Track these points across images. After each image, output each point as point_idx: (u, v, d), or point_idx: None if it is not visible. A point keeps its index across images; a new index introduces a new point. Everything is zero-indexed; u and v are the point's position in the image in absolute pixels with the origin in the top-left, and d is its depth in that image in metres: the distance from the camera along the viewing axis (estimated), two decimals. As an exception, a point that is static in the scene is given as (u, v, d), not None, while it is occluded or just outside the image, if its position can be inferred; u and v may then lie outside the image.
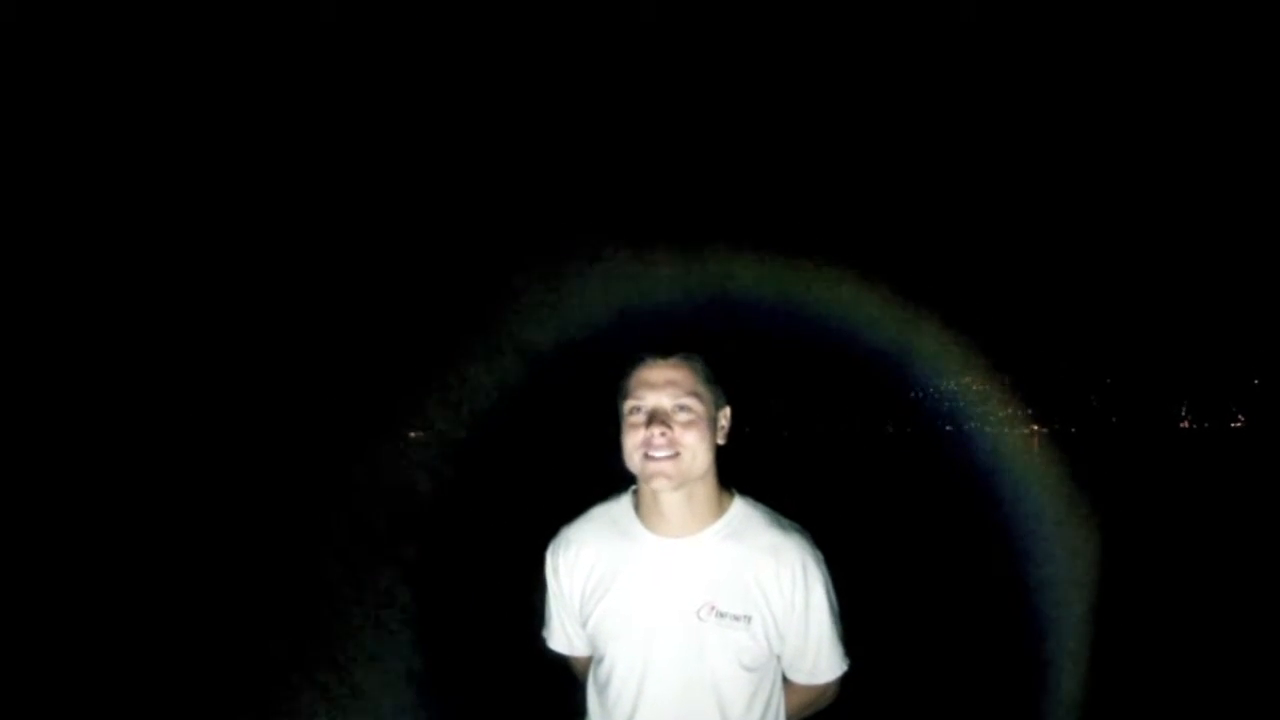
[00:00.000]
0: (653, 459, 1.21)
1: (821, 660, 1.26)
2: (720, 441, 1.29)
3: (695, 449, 1.22)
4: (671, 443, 1.20)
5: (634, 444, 1.22)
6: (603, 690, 1.31)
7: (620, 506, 1.34)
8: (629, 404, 1.24)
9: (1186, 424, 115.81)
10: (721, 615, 1.22)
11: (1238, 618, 5.63)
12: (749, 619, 1.21)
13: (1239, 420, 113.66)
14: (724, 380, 1.31)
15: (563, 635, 1.39)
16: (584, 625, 1.32)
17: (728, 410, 1.31)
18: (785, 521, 1.30)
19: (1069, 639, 4.75)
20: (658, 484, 1.21)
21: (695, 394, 1.23)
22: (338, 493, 11.55)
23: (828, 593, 1.24)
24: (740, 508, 1.30)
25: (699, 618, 1.22)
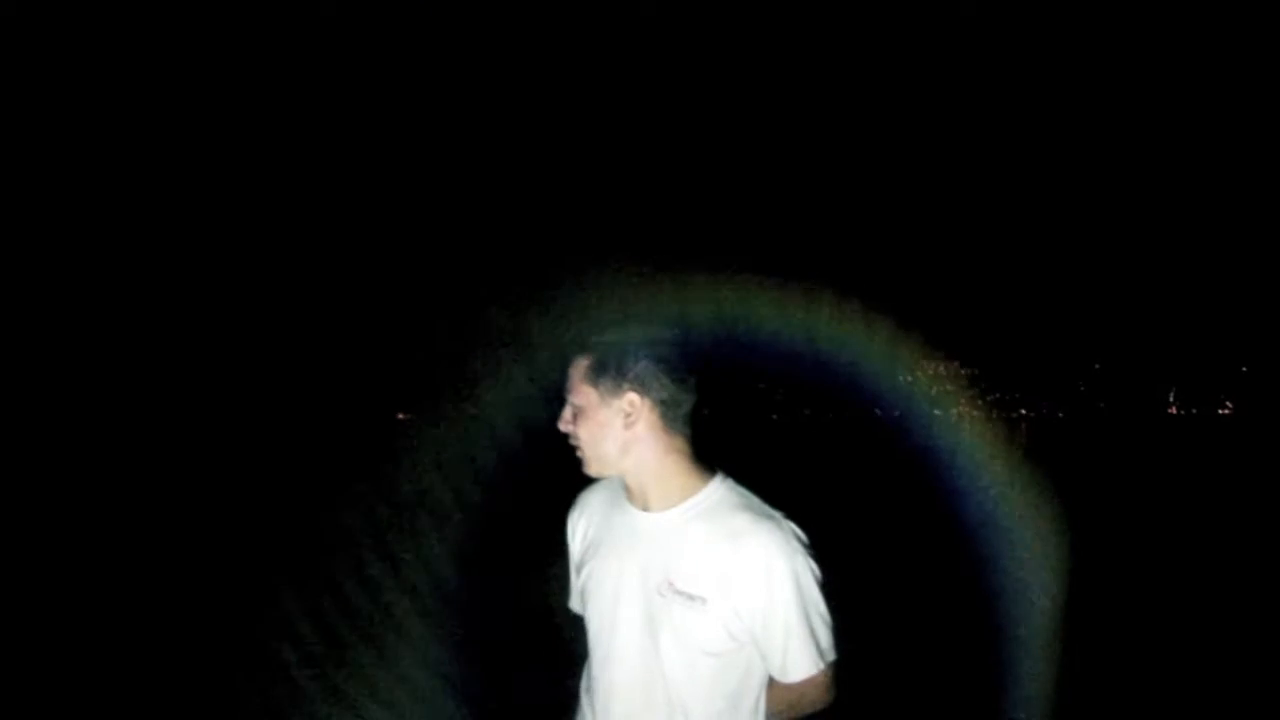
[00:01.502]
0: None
1: (791, 657, 1.19)
2: (630, 429, 1.25)
3: (591, 441, 1.26)
4: (575, 437, 1.28)
5: None
6: (587, 653, 1.35)
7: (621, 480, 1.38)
8: None
9: (1175, 410, 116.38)
10: (679, 593, 1.20)
11: (1222, 603, 5.66)
12: (705, 600, 1.18)
13: (1227, 407, 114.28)
14: (632, 363, 1.24)
15: (577, 594, 1.42)
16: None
17: (631, 396, 1.24)
18: (761, 508, 1.24)
19: (1047, 630, 4.72)
20: (587, 470, 1.31)
21: (579, 390, 1.26)
22: (342, 482, 11.11)
23: (798, 586, 1.17)
24: (715, 489, 1.26)
25: (659, 593, 1.22)
